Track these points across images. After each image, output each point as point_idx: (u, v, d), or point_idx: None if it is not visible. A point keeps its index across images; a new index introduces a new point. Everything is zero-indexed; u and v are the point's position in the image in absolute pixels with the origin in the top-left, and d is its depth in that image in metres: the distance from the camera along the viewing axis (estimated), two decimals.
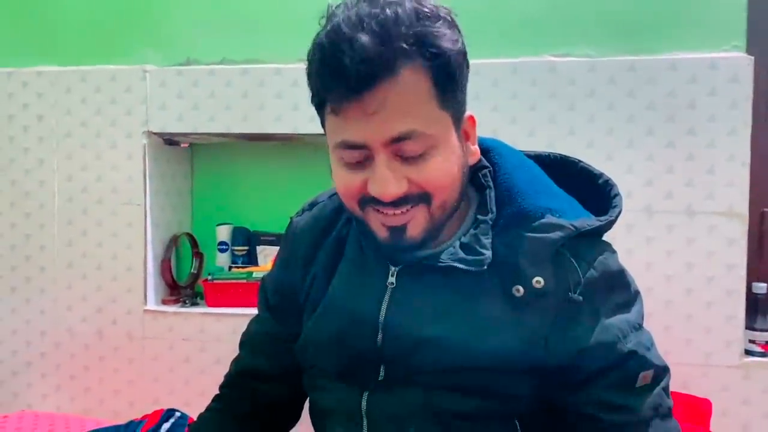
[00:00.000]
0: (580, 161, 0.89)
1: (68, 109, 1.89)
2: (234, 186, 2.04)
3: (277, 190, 2.01)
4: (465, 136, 0.79)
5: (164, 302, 1.92)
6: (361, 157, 0.74)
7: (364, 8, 0.69)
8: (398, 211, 0.75)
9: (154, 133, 1.86)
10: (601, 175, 0.86)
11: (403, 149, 0.72)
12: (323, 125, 0.79)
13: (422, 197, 0.74)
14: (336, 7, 0.73)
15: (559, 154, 0.90)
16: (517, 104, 1.66)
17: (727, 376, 1.59)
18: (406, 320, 0.79)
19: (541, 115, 1.66)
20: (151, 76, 1.84)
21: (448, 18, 0.73)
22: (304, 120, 1.76)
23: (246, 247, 2.01)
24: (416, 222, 0.76)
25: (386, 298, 0.82)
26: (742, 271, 1.59)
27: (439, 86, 0.72)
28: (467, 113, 0.79)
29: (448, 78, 0.73)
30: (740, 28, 1.61)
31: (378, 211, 0.76)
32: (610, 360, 0.74)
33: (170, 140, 1.94)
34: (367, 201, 0.76)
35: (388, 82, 0.69)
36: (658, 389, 0.76)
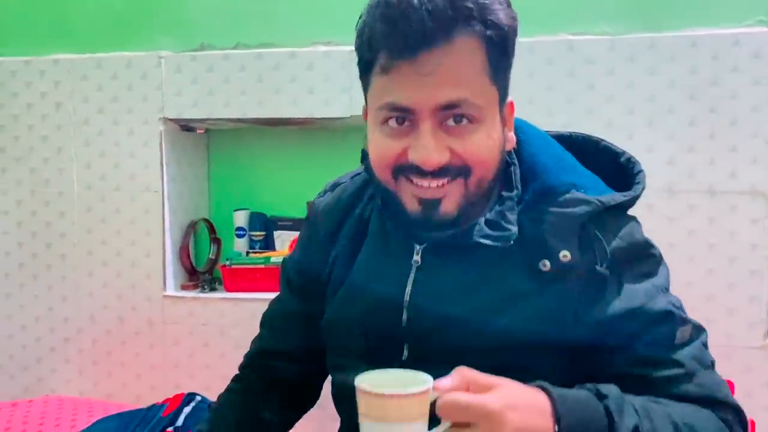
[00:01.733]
0: (601, 140, 0.88)
1: (85, 96, 1.90)
2: (250, 171, 2.05)
3: (294, 174, 2.01)
4: (503, 122, 0.79)
5: (183, 288, 1.93)
6: (403, 122, 0.73)
7: None
8: (435, 183, 0.74)
9: (170, 120, 1.87)
10: (623, 153, 0.86)
11: (449, 118, 0.72)
12: (366, 90, 0.78)
13: (462, 171, 0.74)
14: None
15: (581, 134, 0.90)
16: (533, 84, 1.64)
17: (750, 357, 1.57)
18: (432, 299, 0.79)
19: (558, 95, 1.63)
20: (166, 62, 1.84)
21: None
22: (320, 104, 1.75)
23: (263, 232, 2.01)
24: (451, 198, 0.75)
25: (411, 277, 0.81)
26: (765, 251, 1.57)
27: (492, 60, 0.72)
28: (509, 98, 0.79)
29: (502, 53, 0.73)
30: (764, 2, 1.57)
31: (413, 182, 0.75)
32: (644, 322, 0.74)
33: (186, 126, 1.94)
34: (404, 170, 0.75)
35: (445, 45, 0.69)
36: (697, 343, 0.76)
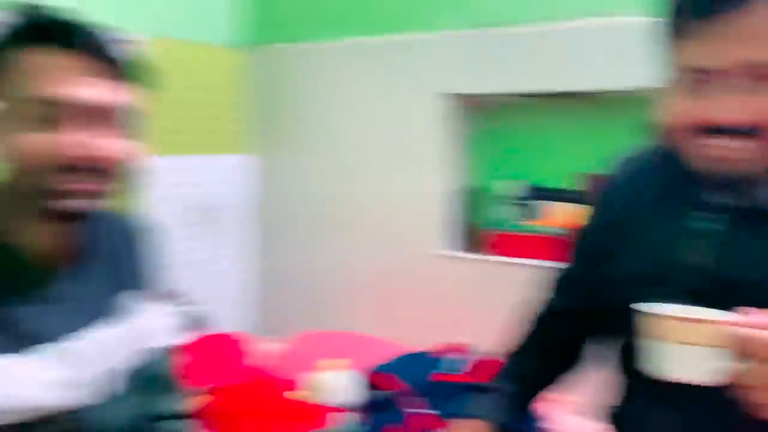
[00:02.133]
0: None
1: (378, 74, 2.16)
2: (523, 142, 2.13)
3: (565, 146, 2.05)
4: None
5: (455, 249, 2.11)
6: (708, 80, 0.76)
7: None
8: (737, 144, 0.75)
9: (450, 94, 2.03)
10: None
11: (756, 77, 0.73)
12: (670, 55, 0.81)
13: (762, 131, 0.75)
14: None
15: None
16: None
17: None
18: (734, 266, 0.81)
19: None
20: (449, 40, 2.00)
21: None
22: (597, 76, 1.77)
23: (533, 201, 2.09)
24: (752, 159, 0.76)
25: (709, 243, 0.83)
26: None
27: None
28: None
29: None
30: None
31: (713, 142, 0.76)
32: None
33: (465, 100, 2.09)
34: (705, 130, 0.77)
35: (746, 8, 0.72)
36: None
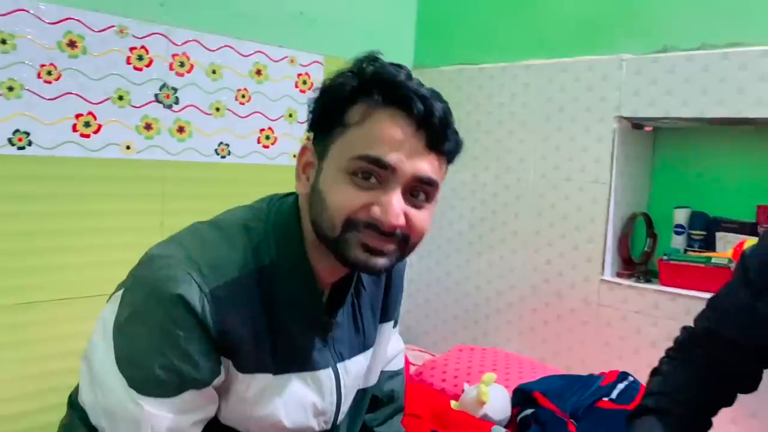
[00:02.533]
0: None
1: (549, 96, 2.17)
2: (695, 170, 2.06)
3: (741, 175, 1.95)
4: None
5: (619, 275, 2.07)
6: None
7: None
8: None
9: (625, 118, 2.00)
10: None
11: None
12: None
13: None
14: None
15: None
16: None
17: None
18: None
19: None
20: (627, 64, 1.98)
21: None
22: None
23: (704, 232, 2.01)
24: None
25: None
26: None
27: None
28: None
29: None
30: None
31: None
32: None
33: (637, 124, 2.05)
34: None
35: None
36: None
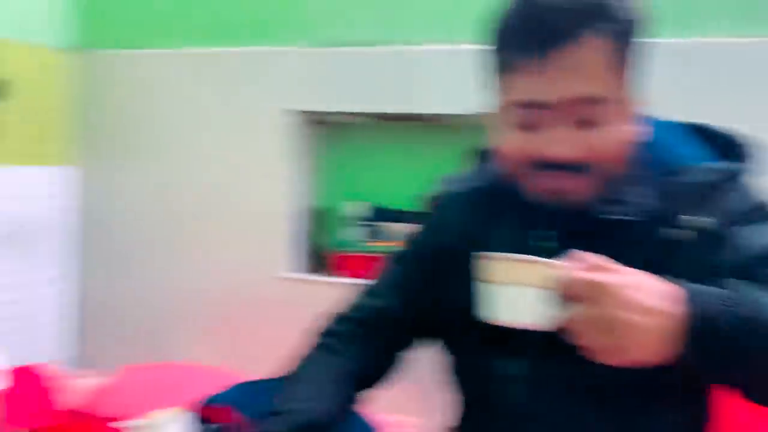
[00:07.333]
0: (710, 125, 0.87)
1: (220, 88, 2.06)
2: (365, 163, 2.13)
3: (404, 168, 2.07)
4: (631, 115, 0.80)
5: (300, 270, 2.05)
6: (537, 115, 0.76)
7: None
8: (568, 179, 0.77)
9: (298, 112, 1.98)
10: (733, 134, 0.85)
11: (581, 113, 0.75)
12: (495, 88, 0.81)
13: (592, 166, 0.77)
14: None
15: (693, 122, 0.89)
16: None
17: None
18: None
19: None
20: (300, 57, 1.96)
21: None
22: (437, 101, 1.80)
23: (377, 223, 2.09)
24: (583, 193, 0.78)
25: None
26: None
27: (619, 56, 0.75)
28: (641, 93, 0.81)
29: (628, 48, 0.76)
30: None
31: (544, 176, 0.77)
32: None
33: (309, 119, 2.05)
34: (536, 165, 0.77)
35: (574, 42, 0.73)
36: None
